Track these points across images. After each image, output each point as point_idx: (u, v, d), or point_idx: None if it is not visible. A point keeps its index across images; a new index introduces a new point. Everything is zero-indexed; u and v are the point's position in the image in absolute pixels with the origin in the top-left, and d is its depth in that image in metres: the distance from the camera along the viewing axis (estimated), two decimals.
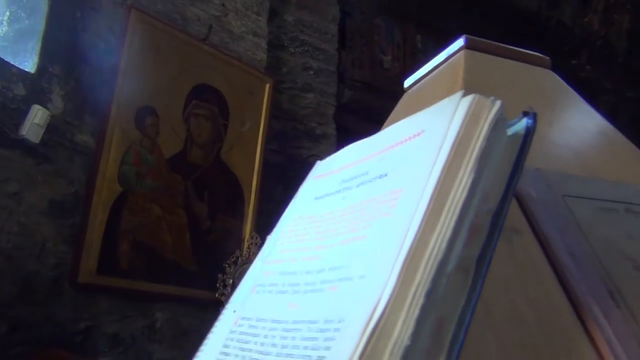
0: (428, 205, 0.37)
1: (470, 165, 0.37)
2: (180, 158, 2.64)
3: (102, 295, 2.29)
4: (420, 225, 0.36)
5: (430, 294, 0.34)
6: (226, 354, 0.47)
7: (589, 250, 0.46)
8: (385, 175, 0.45)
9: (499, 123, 0.40)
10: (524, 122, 0.41)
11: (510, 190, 0.39)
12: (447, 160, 0.38)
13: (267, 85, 3.00)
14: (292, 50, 3.30)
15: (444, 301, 0.35)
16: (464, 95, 0.41)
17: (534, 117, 0.41)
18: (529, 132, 0.41)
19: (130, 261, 2.40)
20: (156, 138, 2.56)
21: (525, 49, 0.67)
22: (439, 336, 0.35)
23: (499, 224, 0.38)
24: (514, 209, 0.47)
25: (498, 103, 0.39)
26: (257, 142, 2.94)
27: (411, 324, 0.33)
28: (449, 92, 0.62)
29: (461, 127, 0.39)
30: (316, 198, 0.54)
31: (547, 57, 0.69)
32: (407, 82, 0.72)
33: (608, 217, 0.50)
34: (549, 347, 0.39)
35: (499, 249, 0.44)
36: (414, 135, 0.44)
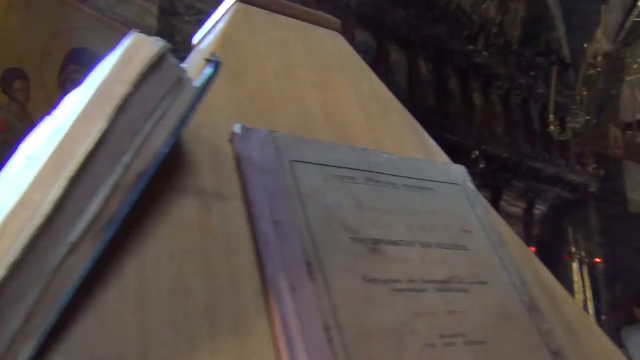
0: (46, 161, 0.31)
1: (107, 114, 0.31)
2: None
3: None
4: (29, 185, 0.30)
5: (22, 266, 0.28)
6: None
7: (301, 220, 0.41)
8: (59, 128, 0.38)
9: (165, 68, 0.34)
10: (206, 72, 0.36)
11: (165, 146, 0.33)
12: (84, 109, 0.32)
13: None
14: (188, 19, 3.15)
15: (57, 273, 0.30)
16: (133, 34, 0.35)
17: (216, 64, 0.36)
18: (209, 81, 0.36)
19: None
20: (27, 104, 2.36)
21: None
22: (40, 315, 0.29)
23: (141, 183, 0.32)
24: (227, 173, 0.42)
25: (160, 44, 0.33)
26: None
27: None
28: (218, 48, 0.56)
29: (111, 70, 0.33)
30: (26, 157, 0.46)
31: (337, 20, 0.64)
32: (196, 39, 0.66)
33: (341, 185, 0.46)
34: (210, 328, 0.34)
35: (189, 216, 0.39)
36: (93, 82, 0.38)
